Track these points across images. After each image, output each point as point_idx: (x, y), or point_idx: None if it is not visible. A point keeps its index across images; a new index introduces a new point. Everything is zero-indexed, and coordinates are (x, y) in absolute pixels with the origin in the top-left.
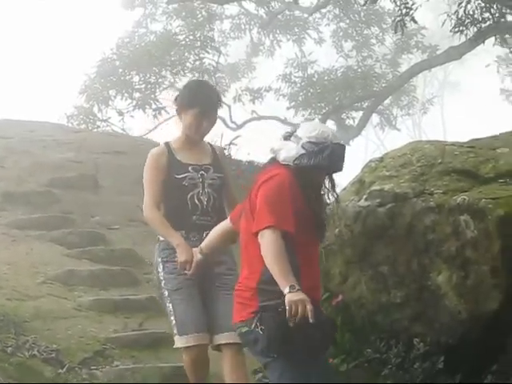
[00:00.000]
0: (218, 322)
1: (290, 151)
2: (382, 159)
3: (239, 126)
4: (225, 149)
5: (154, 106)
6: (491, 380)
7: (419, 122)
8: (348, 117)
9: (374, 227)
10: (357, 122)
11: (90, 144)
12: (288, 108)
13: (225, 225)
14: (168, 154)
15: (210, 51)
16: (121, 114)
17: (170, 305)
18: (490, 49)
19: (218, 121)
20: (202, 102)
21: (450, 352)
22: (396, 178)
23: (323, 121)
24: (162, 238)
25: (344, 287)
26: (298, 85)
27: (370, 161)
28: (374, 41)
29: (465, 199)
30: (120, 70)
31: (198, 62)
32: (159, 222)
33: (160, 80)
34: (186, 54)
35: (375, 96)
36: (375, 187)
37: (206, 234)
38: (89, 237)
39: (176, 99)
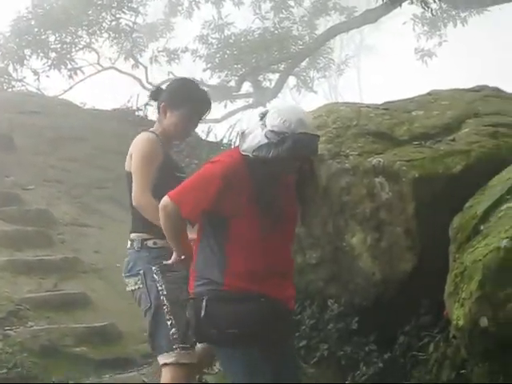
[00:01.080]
0: None
1: (253, 140)
2: None
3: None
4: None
5: (69, 66)
6: (403, 341)
7: (336, 85)
8: (265, 79)
9: None
10: (273, 83)
11: (5, 104)
12: (204, 69)
13: None
14: (163, 147)
15: (127, 12)
16: (36, 73)
17: (172, 317)
18: (406, 10)
19: (134, 81)
20: (192, 106)
21: (364, 313)
22: None
23: (239, 82)
24: (152, 245)
25: None
26: (215, 46)
27: None
28: (292, 3)
29: (380, 161)
30: (35, 30)
31: (114, 23)
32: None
33: (76, 40)
34: (103, 13)
35: (292, 58)
36: None
37: None
38: (3, 197)
39: (158, 92)
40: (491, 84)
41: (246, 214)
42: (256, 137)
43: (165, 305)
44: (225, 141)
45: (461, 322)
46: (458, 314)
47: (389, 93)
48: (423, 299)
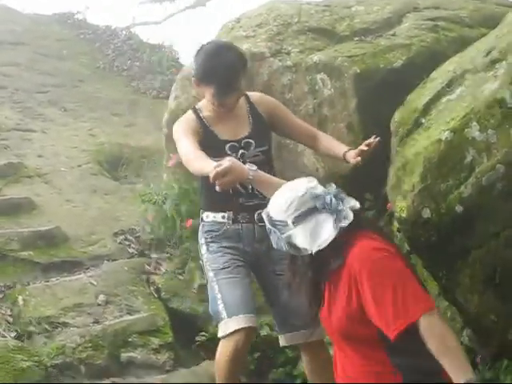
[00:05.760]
0: (289, 319)
1: None
2: (238, 20)
3: None
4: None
5: None
6: None
7: None
8: None
9: None
10: None
11: None
12: None
13: None
14: (202, 126)
15: None
16: None
17: (216, 286)
18: None
19: None
20: (219, 79)
21: None
22: (253, 37)
23: None
24: (205, 218)
25: None
26: None
27: (228, 21)
28: None
29: (321, 58)
30: None
31: None
32: (196, 158)
33: None
34: None
35: None
36: None
37: (259, 215)
38: None
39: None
40: None
41: None
42: None
43: (209, 276)
44: (166, 43)
45: (404, 214)
46: (401, 206)
47: None
48: (367, 193)
